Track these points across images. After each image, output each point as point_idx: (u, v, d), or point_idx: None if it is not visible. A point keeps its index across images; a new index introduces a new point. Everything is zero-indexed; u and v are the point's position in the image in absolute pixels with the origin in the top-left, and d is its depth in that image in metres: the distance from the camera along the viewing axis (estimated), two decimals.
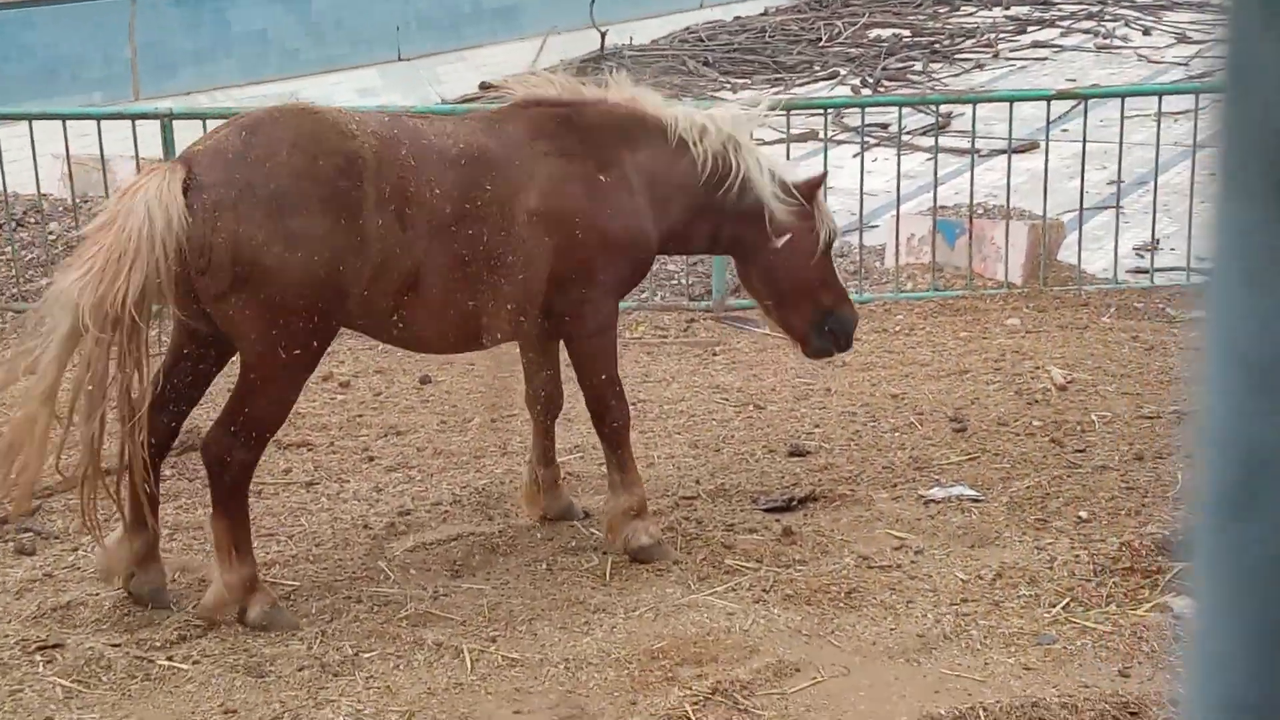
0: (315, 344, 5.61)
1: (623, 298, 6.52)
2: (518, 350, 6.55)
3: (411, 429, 7.96)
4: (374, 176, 5.54)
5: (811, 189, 6.57)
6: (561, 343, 6.44)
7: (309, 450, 7.62)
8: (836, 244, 11.30)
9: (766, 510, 6.71)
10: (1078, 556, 6.12)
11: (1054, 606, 5.73)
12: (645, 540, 6.25)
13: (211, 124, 9.81)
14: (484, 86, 19.55)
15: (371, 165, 5.54)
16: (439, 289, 5.76)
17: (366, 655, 5.54)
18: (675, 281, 10.31)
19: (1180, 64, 19.09)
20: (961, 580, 5.99)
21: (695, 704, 5.16)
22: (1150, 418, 7.68)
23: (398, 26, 20.33)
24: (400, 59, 20.18)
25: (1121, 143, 10.14)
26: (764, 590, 5.96)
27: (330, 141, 5.51)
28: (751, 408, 8.05)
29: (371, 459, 7.54)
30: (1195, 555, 0.81)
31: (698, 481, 7.06)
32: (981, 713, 5.06)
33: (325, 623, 5.78)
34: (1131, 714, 5.03)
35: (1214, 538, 0.79)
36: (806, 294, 6.51)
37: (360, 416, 8.20)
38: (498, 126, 6.07)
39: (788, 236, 6.48)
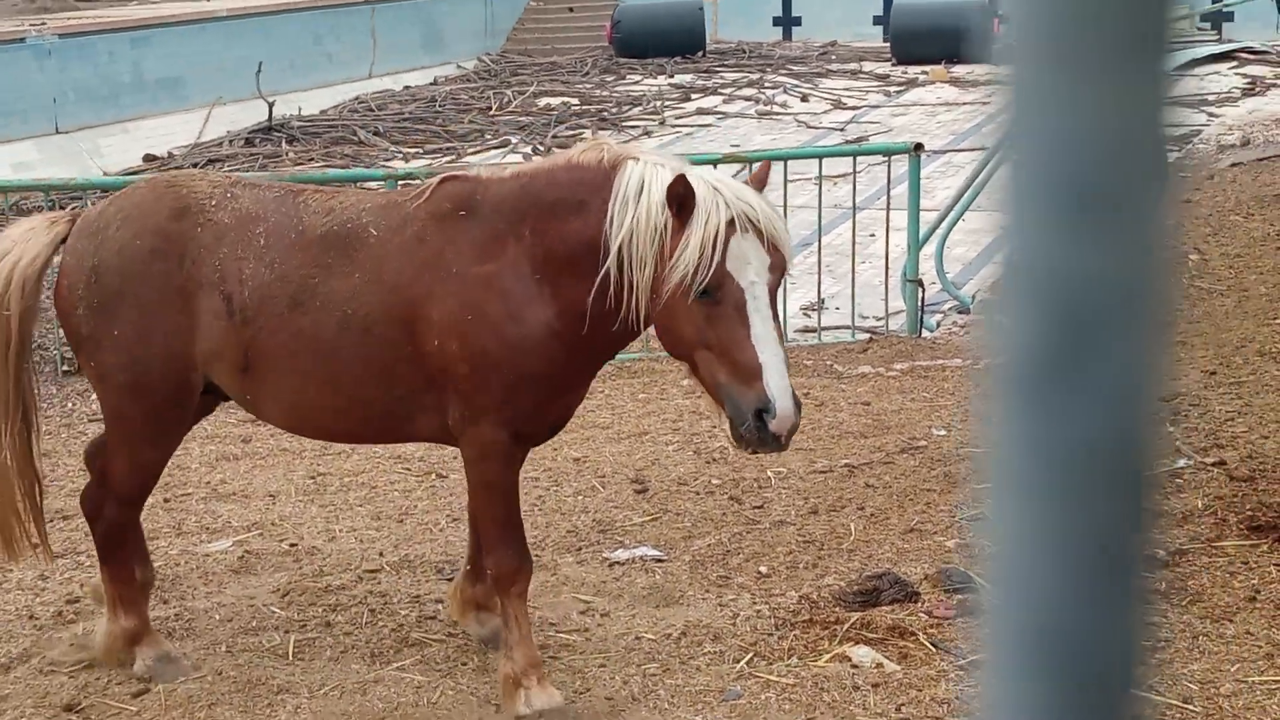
0: (161, 416, 5.62)
1: (514, 425, 5.36)
2: None
3: (79, 513, 7.64)
4: (199, 259, 5.41)
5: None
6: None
7: None
8: None
9: (449, 580, 6.64)
10: (759, 611, 6.23)
11: (738, 662, 5.81)
12: (525, 710, 5.39)
13: None
14: (148, 159, 19.11)
15: (203, 245, 5.41)
16: (275, 375, 5.44)
17: None
18: None
19: (837, 129, 19.80)
20: (649, 640, 6.03)
21: None
22: (823, 472, 7.88)
23: (54, 98, 19.67)
24: (58, 131, 19.52)
25: (786, 205, 10.44)
26: (452, 662, 5.90)
27: (155, 220, 5.46)
28: (434, 476, 7.99)
29: (36, 546, 7.20)
30: (996, 451, 0.66)
31: (381, 554, 6.96)
32: None
33: None
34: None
35: (1024, 419, 0.65)
36: (685, 354, 5.14)
37: None
38: (397, 206, 5.45)
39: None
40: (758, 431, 4.82)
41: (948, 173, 16.55)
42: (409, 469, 8.13)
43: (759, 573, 6.61)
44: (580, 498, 7.62)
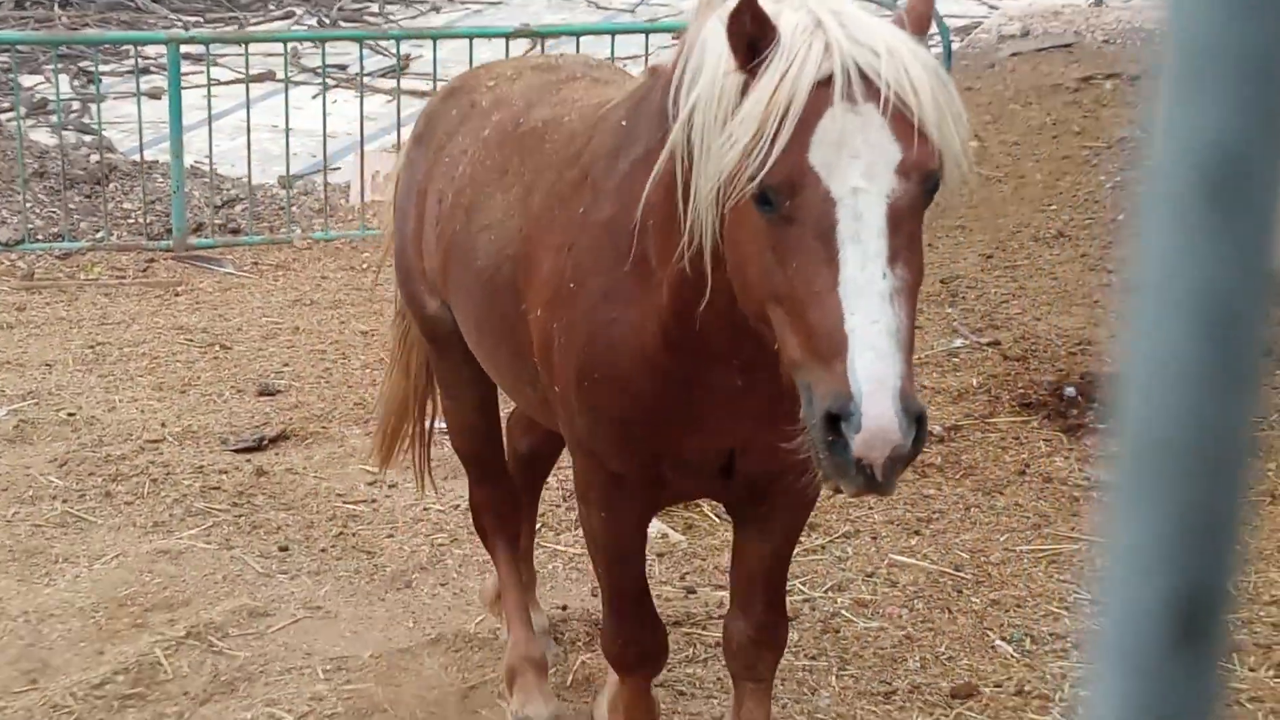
0: (440, 353, 4.65)
1: (608, 458, 3.72)
2: None
3: None
4: (442, 147, 4.39)
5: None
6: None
7: None
8: (302, 183, 11.13)
9: (237, 451, 6.57)
10: (547, 484, 6.26)
11: None
12: None
13: None
14: None
15: (448, 132, 4.39)
16: (455, 307, 4.33)
17: None
18: (132, 220, 9.91)
19: (628, 10, 19.72)
20: (436, 511, 6.05)
21: (167, 650, 5.02)
22: None
23: None
24: None
25: None
26: (237, 532, 5.85)
27: (432, 103, 4.71)
28: (217, 348, 7.86)
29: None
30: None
31: (164, 424, 6.83)
32: (453, 637, 5.14)
33: None
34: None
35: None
36: (762, 315, 3.06)
37: None
38: (600, 105, 3.83)
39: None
40: (828, 448, 2.80)
41: None
42: (191, 340, 7.98)
43: None
44: (368, 370, 7.55)
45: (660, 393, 3.50)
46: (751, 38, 2.95)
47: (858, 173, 2.87)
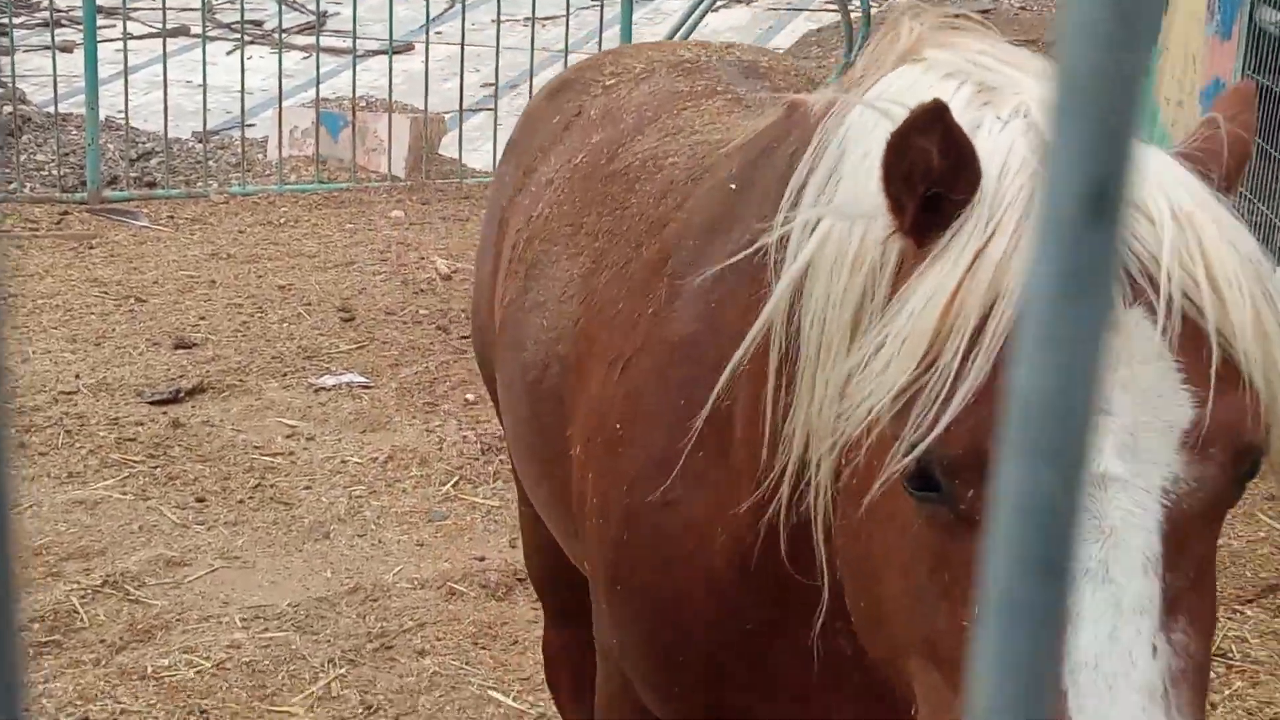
0: (513, 426, 3.20)
1: (655, 700, 2.60)
2: None
3: None
4: (532, 166, 3.42)
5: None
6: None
7: None
8: (219, 137, 11.03)
9: (152, 403, 6.54)
10: (465, 437, 6.30)
11: (444, 485, 5.89)
12: None
13: None
14: None
15: (544, 146, 3.42)
16: (500, 385, 3.30)
17: None
18: (45, 172, 9.80)
19: None
20: (355, 464, 6.06)
21: (83, 598, 5.01)
22: None
23: None
24: None
25: (499, 46, 10.37)
26: (154, 483, 5.83)
27: (535, 100, 3.87)
28: (133, 301, 7.80)
29: None
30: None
31: (78, 376, 6.79)
32: (371, 587, 5.16)
33: None
34: (519, 579, 5.25)
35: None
36: (896, 656, 1.92)
37: None
38: (711, 146, 2.78)
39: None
40: None
41: (655, 20, 16.61)
42: (106, 292, 7.92)
43: (466, 400, 6.67)
44: (286, 324, 7.54)
45: (722, 633, 2.36)
46: (934, 187, 1.74)
47: (1110, 446, 1.63)
